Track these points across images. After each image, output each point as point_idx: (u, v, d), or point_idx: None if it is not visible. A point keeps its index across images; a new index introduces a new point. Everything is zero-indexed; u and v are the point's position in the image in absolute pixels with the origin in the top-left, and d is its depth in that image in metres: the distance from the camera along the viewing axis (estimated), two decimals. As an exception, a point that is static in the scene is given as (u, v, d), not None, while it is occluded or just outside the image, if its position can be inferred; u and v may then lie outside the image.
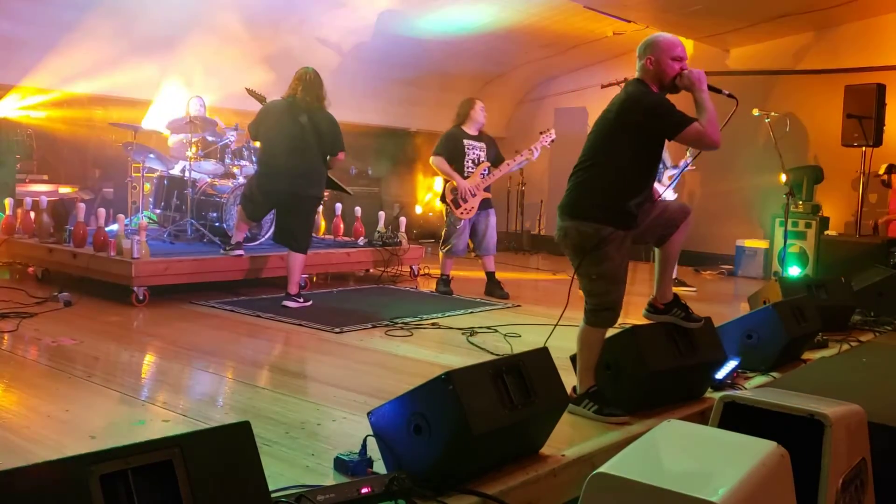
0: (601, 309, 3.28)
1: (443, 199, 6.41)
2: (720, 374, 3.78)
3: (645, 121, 3.19)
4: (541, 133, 6.44)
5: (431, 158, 6.35)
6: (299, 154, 5.45)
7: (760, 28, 9.07)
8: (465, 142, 6.32)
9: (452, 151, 6.29)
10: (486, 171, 6.35)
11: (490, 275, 6.55)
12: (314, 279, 6.72)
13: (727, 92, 3.32)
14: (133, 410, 3.21)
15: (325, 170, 5.63)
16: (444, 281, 6.49)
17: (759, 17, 8.78)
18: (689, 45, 9.86)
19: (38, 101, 7.67)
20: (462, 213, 6.28)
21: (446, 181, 6.32)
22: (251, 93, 5.98)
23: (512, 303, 6.18)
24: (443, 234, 6.46)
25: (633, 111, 3.20)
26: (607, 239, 3.21)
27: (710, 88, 3.23)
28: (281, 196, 5.55)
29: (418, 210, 11.37)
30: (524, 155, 6.35)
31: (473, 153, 6.35)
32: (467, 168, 6.31)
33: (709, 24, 9.13)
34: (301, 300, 5.58)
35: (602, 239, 3.20)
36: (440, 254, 6.53)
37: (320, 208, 7.33)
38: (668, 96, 3.30)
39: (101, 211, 5.90)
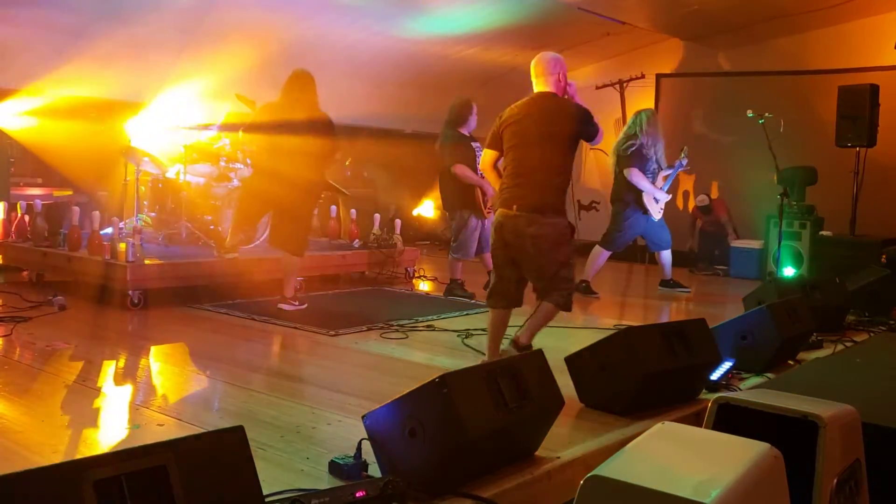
0: (573, 290, 3.88)
1: (467, 203, 6.27)
2: (715, 375, 3.79)
3: (580, 130, 3.89)
4: None
5: (455, 167, 6.16)
6: (295, 155, 5.44)
7: (754, 29, 9.10)
8: (473, 145, 6.25)
9: (467, 157, 6.17)
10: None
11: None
12: (310, 280, 6.71)
13: None
14: (128, 415, 3.21)
15: (322, 170, 5.62)
16: (460, 284, 6.40)
17: (752, 17, 8.81)
18: (682, 45, 9.91)
19: (33, 105, 7.65)
20: (486, 215, 6.21)
21: (473, 187, 6.18)
22: (241, 98, 5.97)
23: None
24: (457, 237, 6.34)
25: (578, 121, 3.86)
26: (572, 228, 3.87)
27: None
28: (276, 198, 5.54)
29: (413, 212, 11.36)
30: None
31: (479, 156, 6.32)
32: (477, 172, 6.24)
33: (702, 24, 9.16)
34: (296, 303, 5.58)
35: (572, 228, 3.85)
36: (450, 257, 6.43)
37: (316, 210, 7.33)
38: None
39: (96, 214, 5.88)
